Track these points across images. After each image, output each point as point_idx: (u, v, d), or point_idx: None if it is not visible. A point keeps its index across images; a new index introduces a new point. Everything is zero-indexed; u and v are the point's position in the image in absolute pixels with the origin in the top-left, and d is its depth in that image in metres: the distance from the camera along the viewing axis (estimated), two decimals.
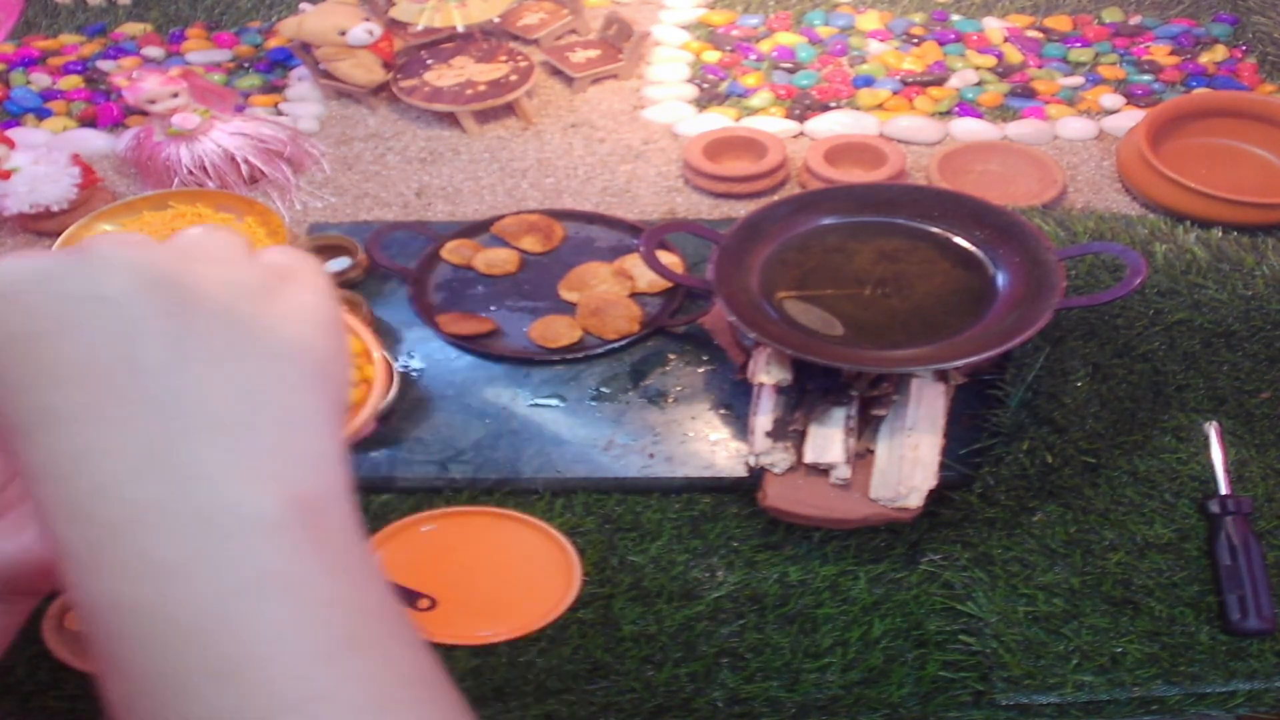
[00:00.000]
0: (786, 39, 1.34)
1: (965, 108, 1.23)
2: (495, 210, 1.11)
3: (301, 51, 1.27)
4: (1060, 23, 1.35)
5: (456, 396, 0.92)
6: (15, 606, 0.45)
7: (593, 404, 0.91)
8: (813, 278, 0.88)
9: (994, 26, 1.35)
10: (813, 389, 0.83)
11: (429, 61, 1.26)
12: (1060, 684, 0.73)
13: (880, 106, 1.24)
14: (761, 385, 0.83)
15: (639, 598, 0.80)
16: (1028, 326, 0.78)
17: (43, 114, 1.27)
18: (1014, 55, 1.31)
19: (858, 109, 1.23)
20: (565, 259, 1.04)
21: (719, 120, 1.22)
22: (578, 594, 0.79)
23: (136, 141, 1.15)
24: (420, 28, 1.27)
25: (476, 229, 1.07)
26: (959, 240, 0.89)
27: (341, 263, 1.03)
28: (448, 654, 0.77)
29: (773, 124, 1.21)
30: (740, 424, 0.88)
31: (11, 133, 1.19)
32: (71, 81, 1.32)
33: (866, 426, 0.82)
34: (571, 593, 0.79)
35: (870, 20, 1.36)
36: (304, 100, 1.27)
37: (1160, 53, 1.30)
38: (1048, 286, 0.81)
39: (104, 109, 1.26)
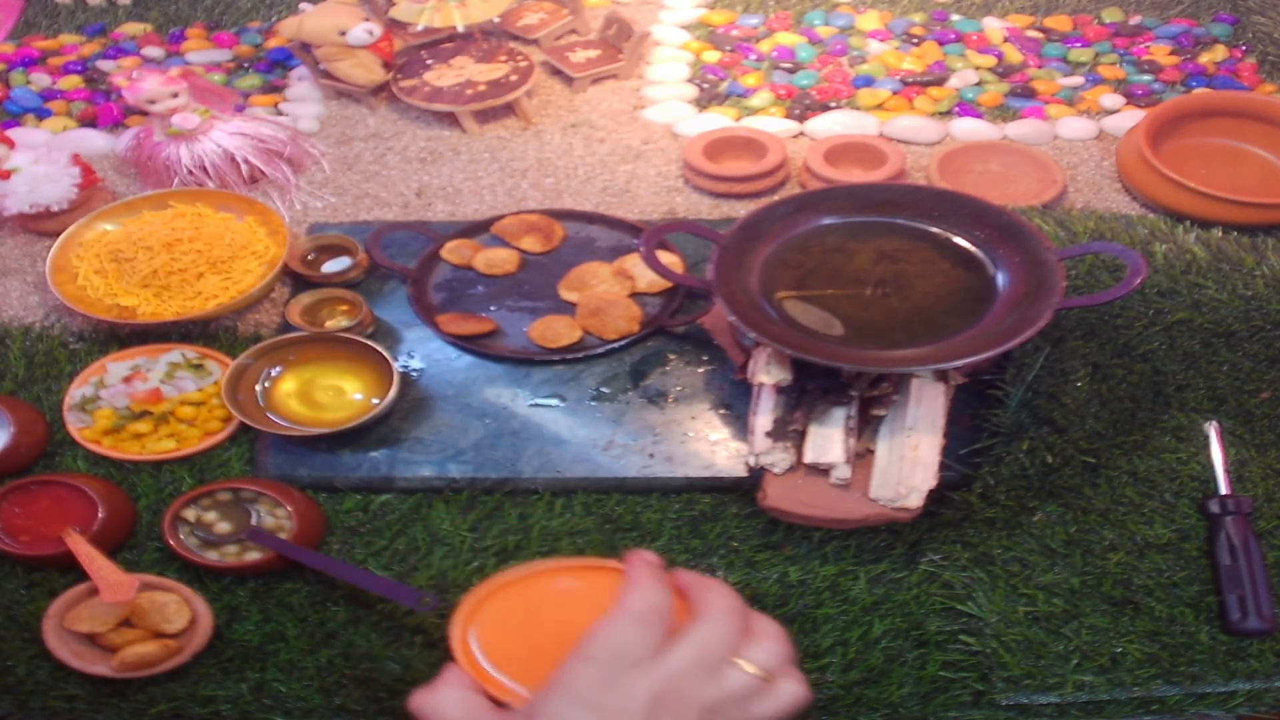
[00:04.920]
0: (786, 39, 1.34)
1: (965, 108, 1.23)
2: (495, 210, 1.11)
3: (301, 51, 1.27)
4: (1060, 23, 1.35)
5: (456, 396, 0.92)
6: None
7: (593, 404, 0.91)
8: (813, 278, 0.88)
9: (994, 26, 1.35)
10: (813, 389, 0.83)
11: (429, 61, 1.26)
12: (1060, 684, 0.73)
13: (880, 106, 1.24)
14: (761, 385, 0.83)
15: None
16: (1028, 326, 0.78)
17: (43, 114, 1.27)
18: (1014, 55, 1.31)
19: (858, 109, 1.23)
20: (565, 259, 1.04)
21: (719, 120, 1.22)
22: None
23: (136, 141, 1.15)
24: (420, 28, 1.27)
25: (476, 229, 1.07)
26: (959, 240, 0.89)
27: (341, 263, 1.03)
28: (448, 654, 0.77)
29: (773, 124, 1.21)
30: (740, 424, 0.88)
31: (11, 133, 1.19)
32: (71, 81, 1.32)
33: (866, 426, 0.82)
34: None
35: (870, 20, 1.37)
36: (304, 100, 1.27)
37: (1160, 53, 1.30)
38: (1048, 286, 0.81)
39: (104, 109, 1.26)
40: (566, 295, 1.00)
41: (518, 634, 0.63)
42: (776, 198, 1.03)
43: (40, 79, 1.32)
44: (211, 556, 0.81)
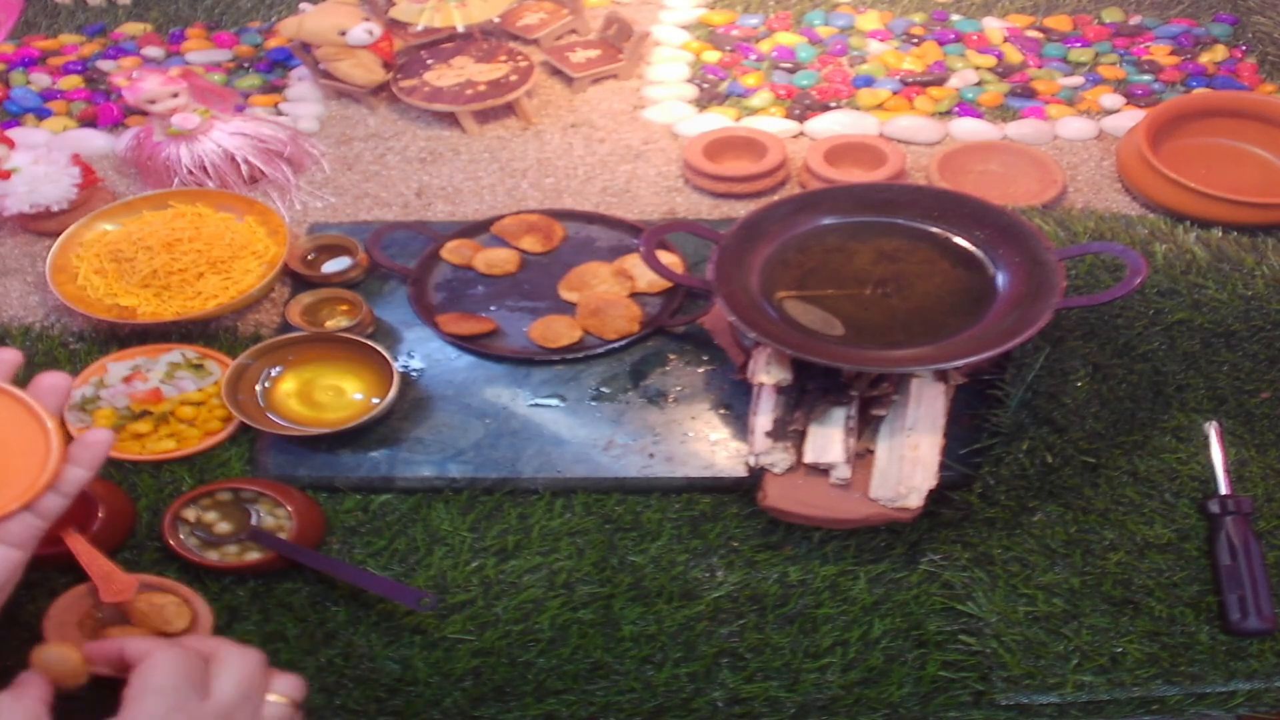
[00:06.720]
0: (786, 39, 1.34)
1: (965, 108, 1.23)
2: (495, 210, 1.11)
3: (301, 51, 1.27)
4: (1060, 23, 1.35)
5: (456, 396, 0.92)
6: None
7: (593, 404, 0.91)
8: (813, 278, 0.88)
9: (994, 26, 1.35)
10: (813, 389, 0.83)
11: (429, 61, 1.26)
12: (1060, 684, 0.73)
13: (880, 106, 1.24)
14: (761, 385, 0.83)
15: (639, 598, 0.80)
16: (1028, 326, 0.78)
17: (43, 114, 1.27)
18: (1014, 55, 1.31)
19: (858, 109, 1.23)
20: (565, 259, 1.04)
21: (719, 120, 1.22)
22: (54, 473, 0.62)
23: (136, 141, 1.15)
24: (420, 28, 1.27)
25: (476, 229, 1.07)
26: (959, 240, 0.89)
27: (341, 263, 1.03)
28: (447, 653, 0.77)
29: (773, 124, 1.21)
30: (740, 424, 0.88)
31: (11, 133, 1.19)
32: (71, 81, 1.32)
33: (866, 426, 0.82)
34: (46, 473, 0.62)
35: (870, 20, 1.37)
36: (304, 100, 1.27)
37: (1160, 53, 1.30)
38: (1048, 286, 0.81)
39: (104, 109, 1.26)
40: (566, 295, 1.00)
41: None
42: (776, 198, 1.03)
43: (40, 79, 1.32)
44: (211, 557, 0.81)
